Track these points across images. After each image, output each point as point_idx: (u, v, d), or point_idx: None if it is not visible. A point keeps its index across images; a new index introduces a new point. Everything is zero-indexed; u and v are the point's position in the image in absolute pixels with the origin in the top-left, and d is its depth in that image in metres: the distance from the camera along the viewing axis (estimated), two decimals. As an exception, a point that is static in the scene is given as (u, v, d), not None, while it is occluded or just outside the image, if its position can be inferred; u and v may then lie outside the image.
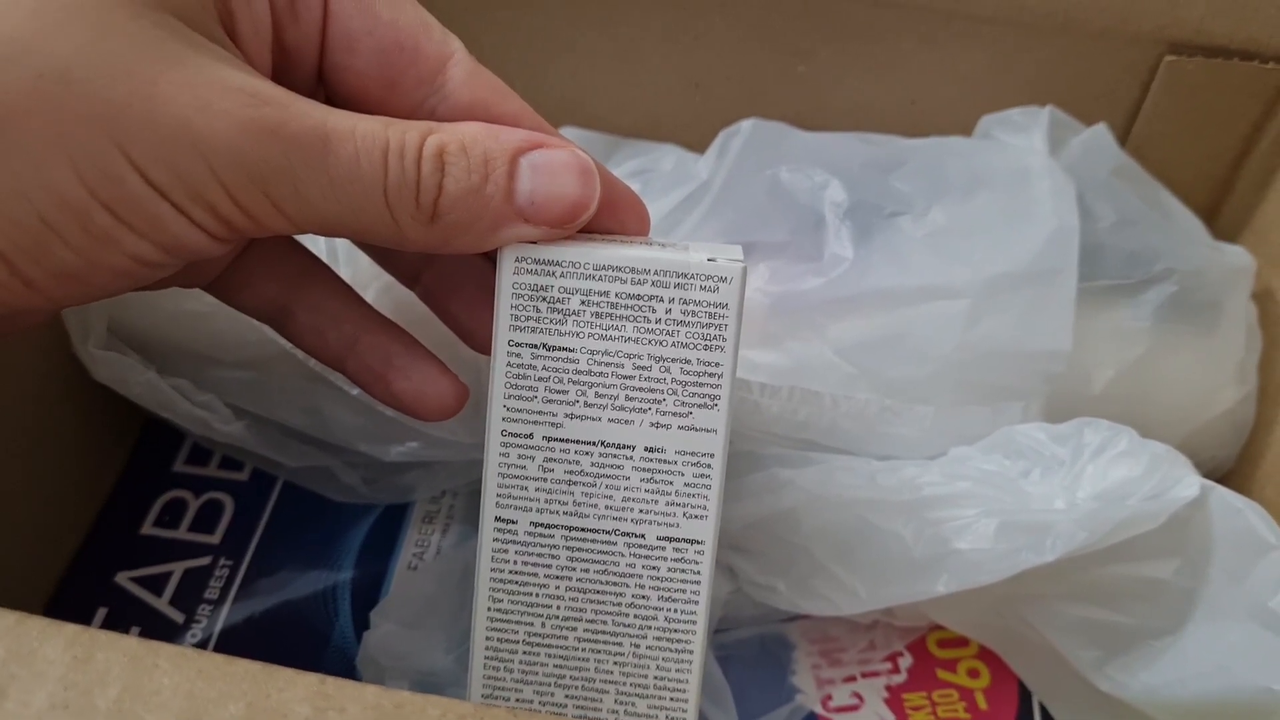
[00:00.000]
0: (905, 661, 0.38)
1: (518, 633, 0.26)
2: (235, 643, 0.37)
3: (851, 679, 0.37)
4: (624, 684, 0.27)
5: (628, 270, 0.23)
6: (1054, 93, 0.41)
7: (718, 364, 0.24)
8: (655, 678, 0.26)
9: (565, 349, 0.24)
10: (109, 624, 0.37)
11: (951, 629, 0.38)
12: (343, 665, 0.36)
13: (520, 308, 0.24)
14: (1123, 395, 0.38)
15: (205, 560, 0.39)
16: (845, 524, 0.34)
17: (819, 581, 0.35)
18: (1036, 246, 0.36)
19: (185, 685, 0.22)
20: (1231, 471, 0.40)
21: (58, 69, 0.18)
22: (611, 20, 0.43)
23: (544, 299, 0.24)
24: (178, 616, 0.37)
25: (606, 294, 0.24)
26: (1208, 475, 0.35)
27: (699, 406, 0.24)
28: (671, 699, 0.27)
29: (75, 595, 0.38)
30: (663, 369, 0.24)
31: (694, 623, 0.26)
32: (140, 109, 0.19)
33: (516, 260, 0.24)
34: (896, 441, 0.36)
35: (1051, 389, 0.37)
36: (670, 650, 0.26)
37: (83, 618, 0.37)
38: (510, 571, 0.26)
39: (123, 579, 0.38)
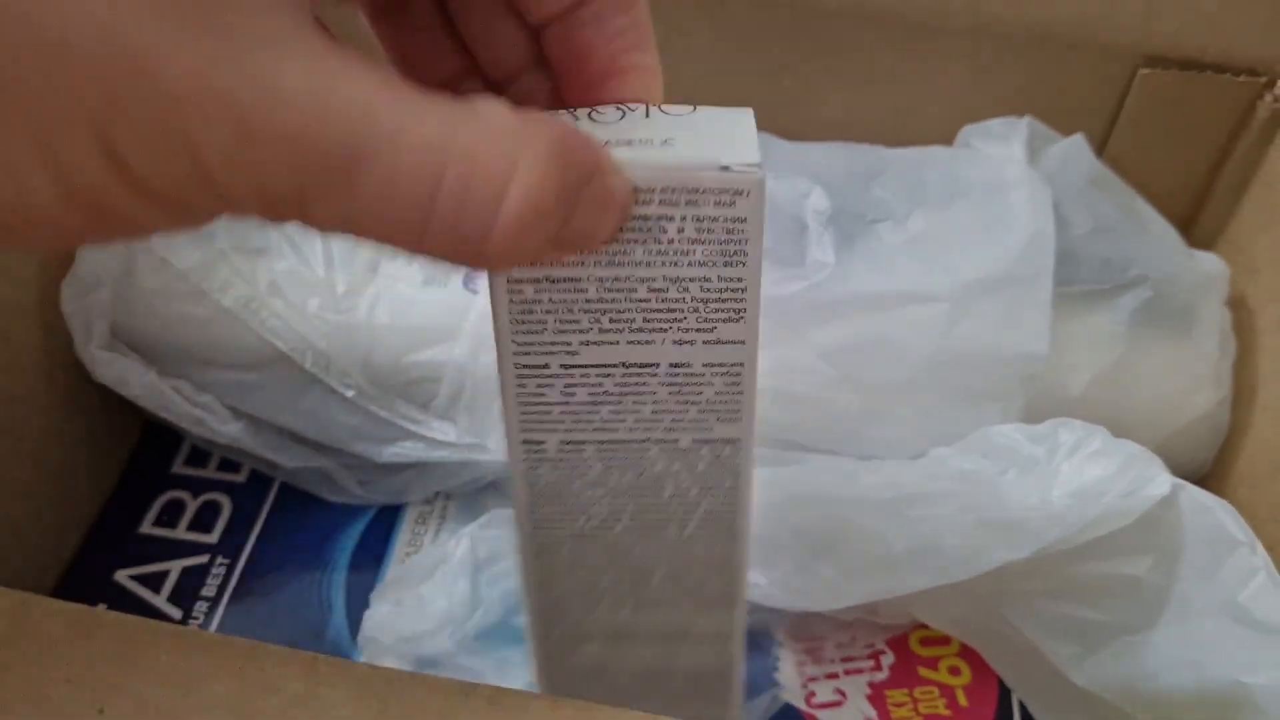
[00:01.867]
0: (888, 659, 0.39)
1: (562, 531, 0.26)
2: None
3: (834, 676, 0.38)
4: (672, 561, 0.27)
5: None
6: (1033, 104, 0.42)
7: (739, 279, 0.21)
8: (702, 554, 0.26)
9: (570, 279, 0.21)
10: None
11: (933, 627, 0.38)
12: (336, 661, 0.37)
13: None
14: (1100, 398, 0.38)
15: (203, 559, 0.40)
16: (827, 521, 0.35)
17: (801, 578, 0.36)
18: (1014, 252, 0.37)
19: (182, 662, 0.23)
20: (1207, 475, 0.41)
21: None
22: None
23: None
24: (175, 613, 0.38)
25: None
26: (1184, 478, 0.36)
27: (723, 321, 0.22)
28: (719, 572, 0.27)
29: (76, 591, 0.39)
30: (680, 289, 0.22)
31: (735, 505, 0.25)
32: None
33: None
34: (878, 443, 0.37)
35: (1029, 392, 0.37)
36: (715, 531, 0.26)
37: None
38: (545, 484, 0.25)
39: (122, 576, 0.39)
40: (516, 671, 0.36)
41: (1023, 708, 0.37)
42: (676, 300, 0.22)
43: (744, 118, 0.21)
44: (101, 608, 0.38)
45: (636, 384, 0.23)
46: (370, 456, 0.39)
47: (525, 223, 0.17)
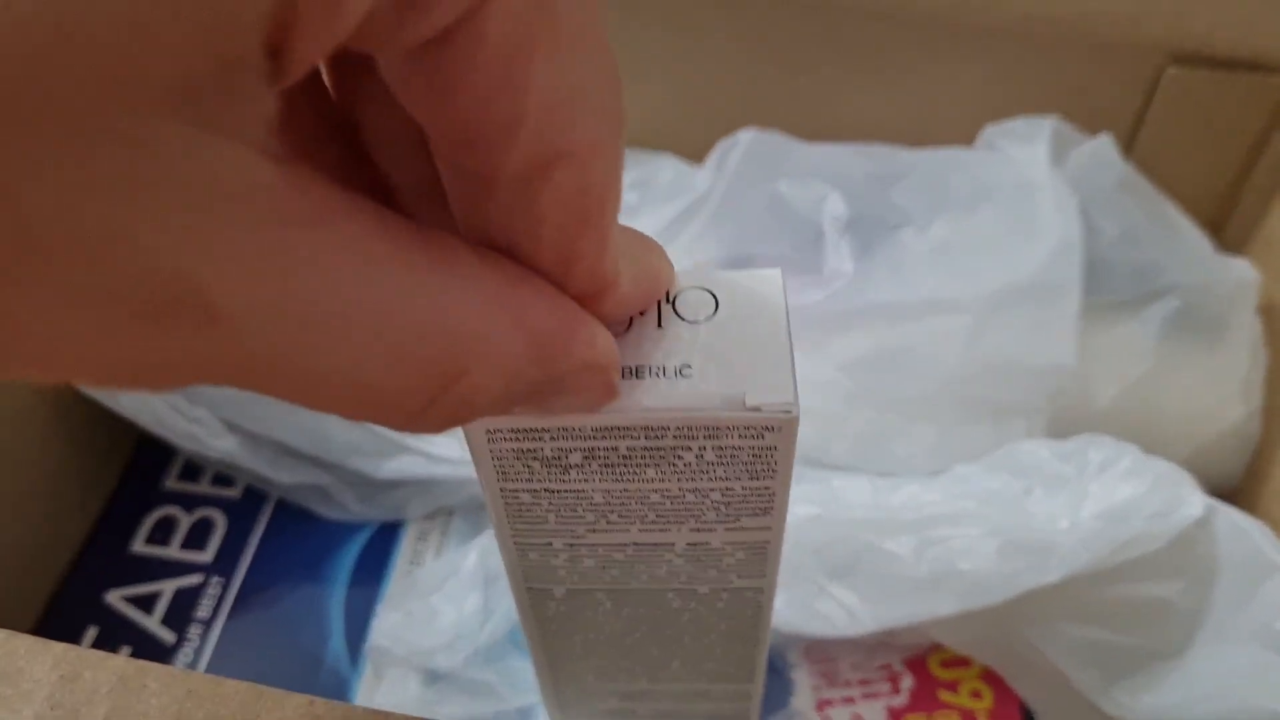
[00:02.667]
0: (906, 682, 0.37)
1: (574, 640, 0.25)
2: (227, 662, 0.36)
3: (851, 700, 0.37)
4: (687, 658, 0.26)
5: (639, 429, 0.18)
6: (1057, 104, 0.41)
7: (766, 488, 0.19)
8: (720, 653, 0.26)
9: (574, 490, 0.19)
10: (99, 644, 0.36)
11: (953, 649, 0.37)
12: (336, 684, 0.36)
13: (508, 466, 0.19)
14: (1127, 412, 0.37)
15: (197, 579, 0.38)
16: (846, 543, 0.34)
17: (819, 601, 0.34)
18: (1040, 261, 0.36)
19: (174, 706, 0.21)
20: (1238, 488, 0.40)
21: None
22: (612, 31, 0.43)
23: (536, 458, 0.19)
24: (169, 636, 0.37)
25: (615, 449, 0.18)
26: (1213, 492, 0.35)
27: (747, 515, 0.20)
28: (737, 663, 0.26)
29: (65, 614, 0.38)
30: (699, 496, 0.19)
31: (757, 623, 0.24)
32: None
33: (489, 432, 0.18)
34: (898, 459, 0.36)
35: (1055, 405, 0.36)
36: (734, 640, 0.25)
37: (72, 637, 0.36)
38: (554, 614, 0.24)
39: (113, 598, 0.38)
40: (526, 684, 0.35)
41: (1047, 733, 0.36)
42: (695, 503, 0.19)
43: (774, 306, 0.18)
44: (92, 633, 0.37)
45: (650, 555, 0.21)
46: (368, 472, 0.38)
47: (462, 403, 0.14)
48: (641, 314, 0.18)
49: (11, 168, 0.10)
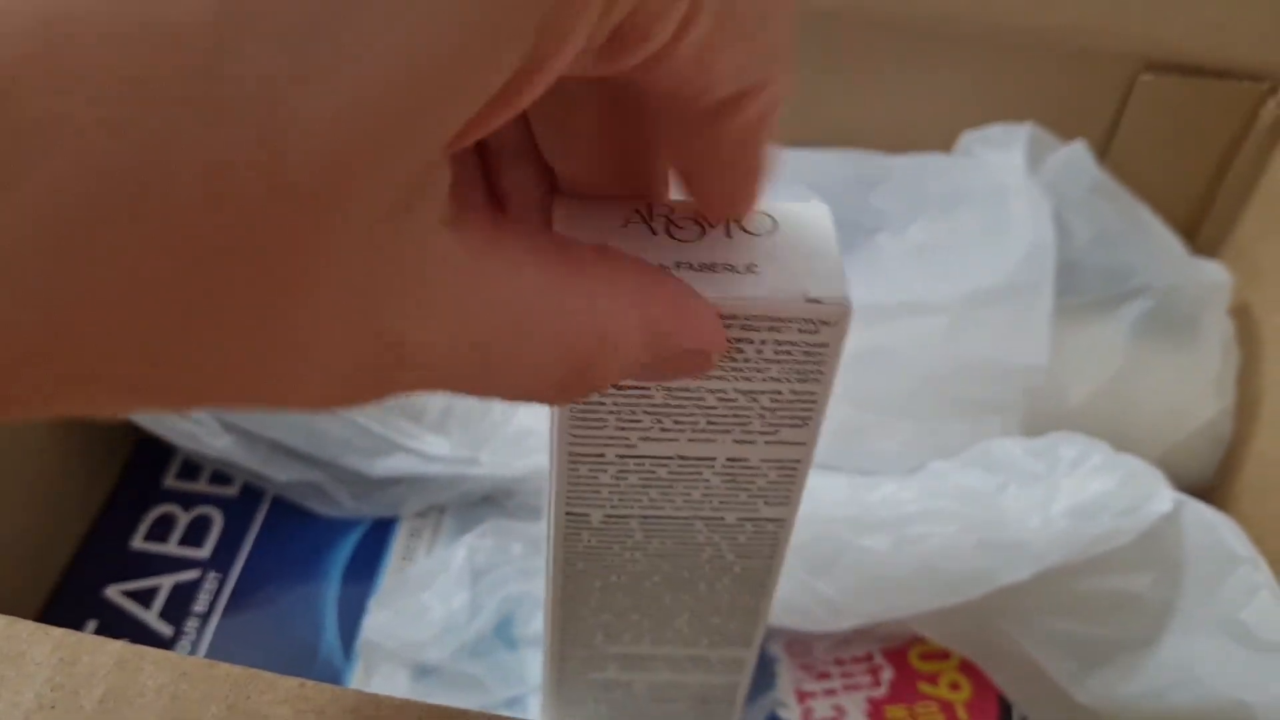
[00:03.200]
0: (886, 674, 0.38)
1: (595, 582, 0.26)
2: (223, 655, 0.37)
3: (832, 692, 0.38)
4: (697, 609, 0.27)
5: None
6: (1034, 110, 0.42)
7: (811, 393, 0.21)
8: (728, 604, 0.27)
9: (639, 387, 0.21)
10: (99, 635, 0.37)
11: (932, 640, 0.38)
12: (329, 676, 0.37)
13: None
14: (1101, 410, 0.38)
15: (194, 574, 0.39)
16: (826, 540, 0.35)
17: (800, 597, 0.35)
18: (1014, 263, 0.37)
19: (169, 687, 0.22)
20: (1211, 485, 0.41)
21: None
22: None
23: None
24: (166, 629, 0.38)
25: None
26: (1186, 489, 0.35)
27: (787, 425, 0.21)
28: (741, 618, 0.27)
29: (66, 607, 0.39)
30: (750, 399, 0.21)
31: (769, 569, 0.25)
32: None
33: None
34: (876, 456, 0.37)
35: (1029, 403, 0.37)
36: (744, 587, 0.26)
37: (73, 629, 0.37)
38: (584, 547, 0.25)
39: (113, 592, 0.39)
40: (514, 678, 0.36)
41: (1023, 723, 0.37)
42: (744, 408, 0.21)
43: (824, 228, 0.20)
44: (91, 626, 0.38)
45: (690, 473, 0.22)
46: (362, 470, 0.39)
47: (594, 390, 0.17)
48: (713, 225, 0.20)
49: (294, 277, 0.12)
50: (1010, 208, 0.38)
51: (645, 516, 0.24)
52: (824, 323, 0.19)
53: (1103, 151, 0.43)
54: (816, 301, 0.19)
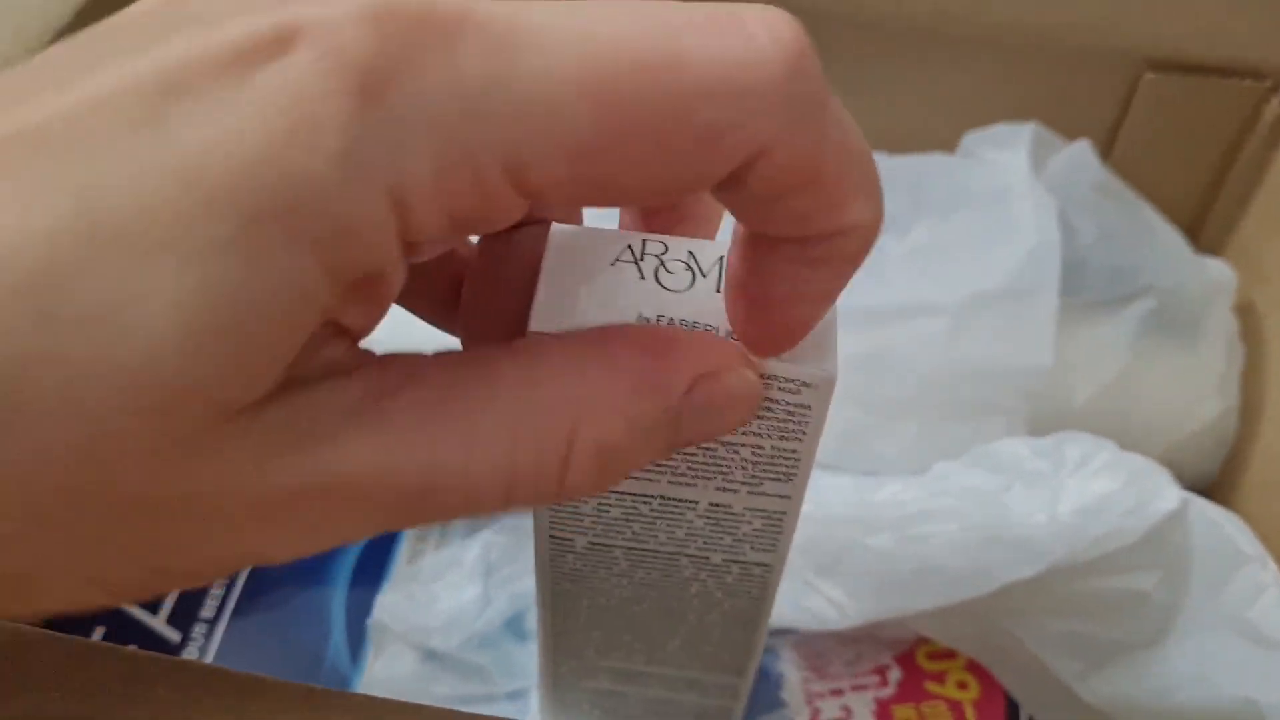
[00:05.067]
0: (894, 675, 0.38)
1: (583, 602, 0.26)
2: (230, 660, 0.37)
3: (839, 693, 0.38)
4: (688, 637, 0.27)
5: None
6: (1037, 110, 0.42)
7: (794, 451, 0.20)
8: (719, 637, 0.27)
9: None
10: (107, 641, 0.37)
11: (938, 641, 0.38)
12: (337, 682, 0.37)
13: None
14: (1105, 410, 0.38)
15: (201, 579, 0.39)
16: (831, 540, 0.35)
17: (807, 597, 0.35)
18: (1017, 263, 0.37)
19: (179, 695, 0.22)
20: (1215, 484, 0.41)
21: None
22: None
23: None
24: (174, 635, 0.38)
25: None
26: (1191, 488, 0.35)
27: (770, 479, 0.21)
28: (733, 650, 0.27)
29: (72, 615, 0.39)
30: (730, 450, 0.20)
31: (759, 607, 0.25)
32: None
33: None
34: (880, 457, 0.37)
35: (1033, 404, 0.37)
36: (734, 623, 0.26)
37: (80, 636, 0.37)
38: (569, 570, 0.25)
39: (120, 598, 0.39)
40: (519, 671, 0.36)
41: (1030, 722, 0.37)
42: (725, 458, 0.21)
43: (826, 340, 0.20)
44: (99, 633, 0.38)
45: (673, 513, 0.22)
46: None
47: (601, 463, 0.17)
48: (704, 275, 0.20)
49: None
50: (1014, 208, 0.38)
51: (630, 548, 0.23)
52: (806, 385, 0.19)
53: (1106, 151, 0.43)
54: (797, 365, 0.19)
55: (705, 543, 0.23)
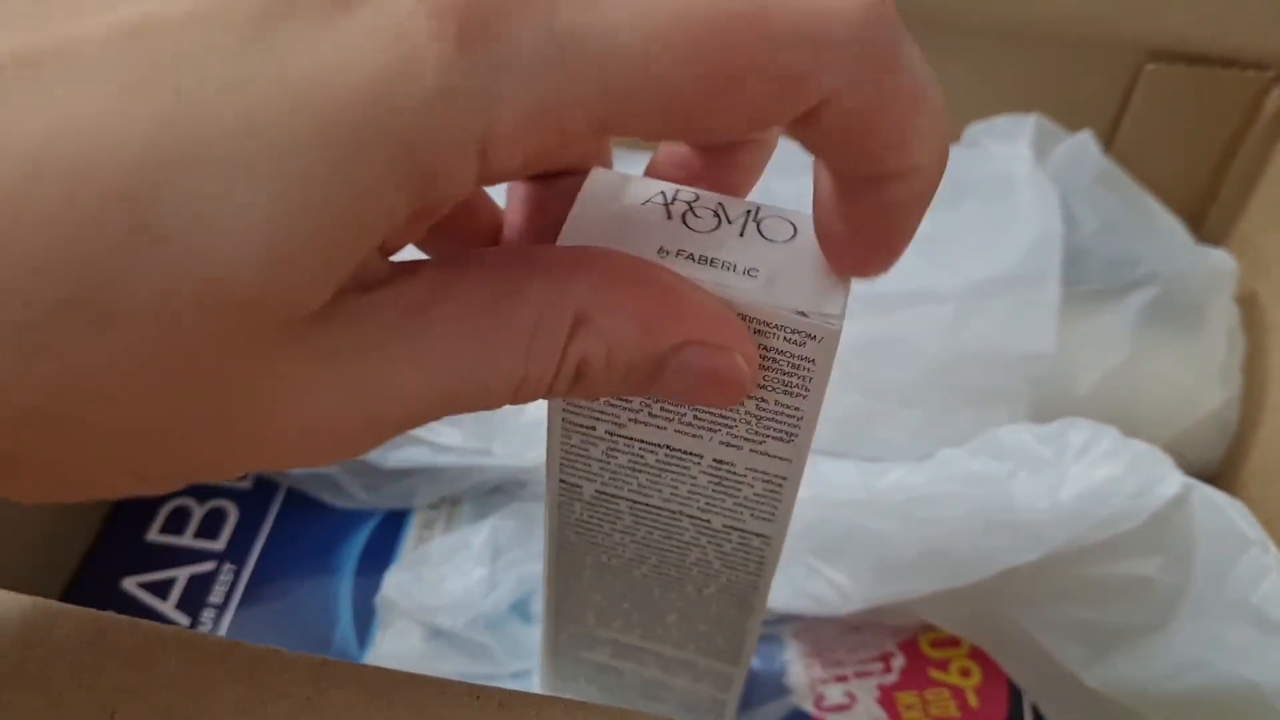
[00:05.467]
0: (897, 661, 0.38)
1: (587, 557, 0.26)
2: (239, 645, 0.37)
3: (843, 679, 0.38)
4: (686, 611, 0.27)
5: None
6: (1039, 101, 0.42)
7: (798, 408, 0.20)
8: (715, 614, 0.27)
9: None
10: (115, 628, 0.38)
11: (941, 628, 0.38)
12: (344, 667, 0.37)
13: None
14: (1107, 398, 0.38)
15: (209, 566, 0.40)
16: (835, 524, 0.35)
17: (810, 582, 0.36)
18: (1020, 252, 0.37)
19: (192, 666, 0.23)
20: (1217, 473, 0.41)
21: None
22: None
23: None
24: (183, 620, 0.38)
25: None
26: (1193, 477, 0.35)
27: (773, 438, 0.21)
28: (729, 633, 0.27)
29: (83, 599, 0.39)
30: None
31: (755, 586, 0.25)
32: None
33: None
34: (884, 444, 0.37)
35: (1037, 392, 0.37)
36: (731, 600, 0.26)
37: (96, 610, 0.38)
38: (576, 519, 0.25)
39: (129, 584, 0.39)
40: (524, 651, 0.37)
41: (1034, 709, 0.37)
42: (729, 409, 0.21)
43: (831, 284, 0.20)
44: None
45: (678, 466, 0.23)
46: (375, 462, 0.39)
47: (579, 378, 0.18)
48: (730, 222, 0.20)
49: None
50: (1017, 198, 0.38)
51: (634, 501, 0.24)
52: (810, 336, 0.19)
53: (1108, 141, 0.44)
54: (803, 315, 0.19)
55: (707, 503, 0.23)
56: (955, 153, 0.41)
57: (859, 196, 0.17)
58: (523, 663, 0.36)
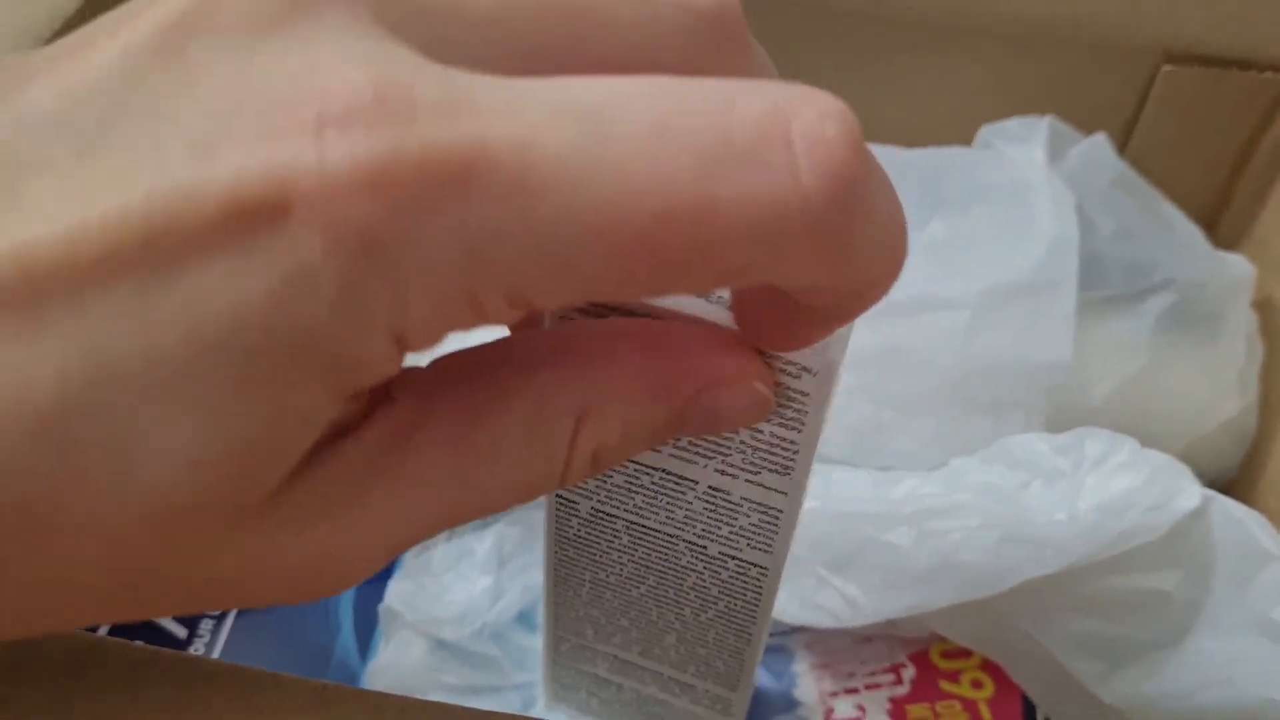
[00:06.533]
0: (908, 673, 0.38)
1: (585, 574, 0.26)
2: (238, 656, 0.37)
3: (854, 691, 0.37)
4: (684, 634, 0.26)
5: None
6: (1053, 103, 0.42)
7: (793, 441, 0.20)
8: (714, 639, 0.26)
9: None
10: (113, 636, 0.37)
11: (953, 641, 0.38)
12: (345, 678, 0.37)
13: None
14: (1123, 406, 0.38)
15: (208, 575, 0.39)
16: (846, 535, 0.34)
17: (821, 594, 0.35)
18: (1036, 258, 0.36)
19: (187, 693, 0.22)
20: (1234, 481, 0.40)
21: None
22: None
23: None
24: (180, 631, 0.38)
25: None
26: (1210, 485, 0.35)
27: (768, 470, 0.21)
28: (727, 658, 0.27)
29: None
30: (729, 431, 0.20)
31: (754, 615, 0.25)
32: None
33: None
34: (897, 454, 0.37)
35: (1052, 400, 0.37)
36: (728, 626, 0.26)
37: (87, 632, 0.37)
38: (573, 535, 0.25)
39: (125, 594, 0.39)
40: (530, 663, 0.36)
41: (1048, 722, 0.37)
42: (724, 438, 0.21)
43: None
44: (104, 629, 0.38)
45: (674, 490, 0.22)
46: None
47: (596, 461, 0.17)
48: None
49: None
50: (1031, 201, 0.38)
51: (631, 522, 0.24)
52: (805, 369, 0.18)
53: (1123, 144, 0.43)
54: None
55: (704, 529, 0.23)
56: (968, 155, 0.41)
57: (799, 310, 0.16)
58: (528, 674, 0.36)
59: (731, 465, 0.21)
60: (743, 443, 0.20)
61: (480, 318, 0.13)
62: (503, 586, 0.37)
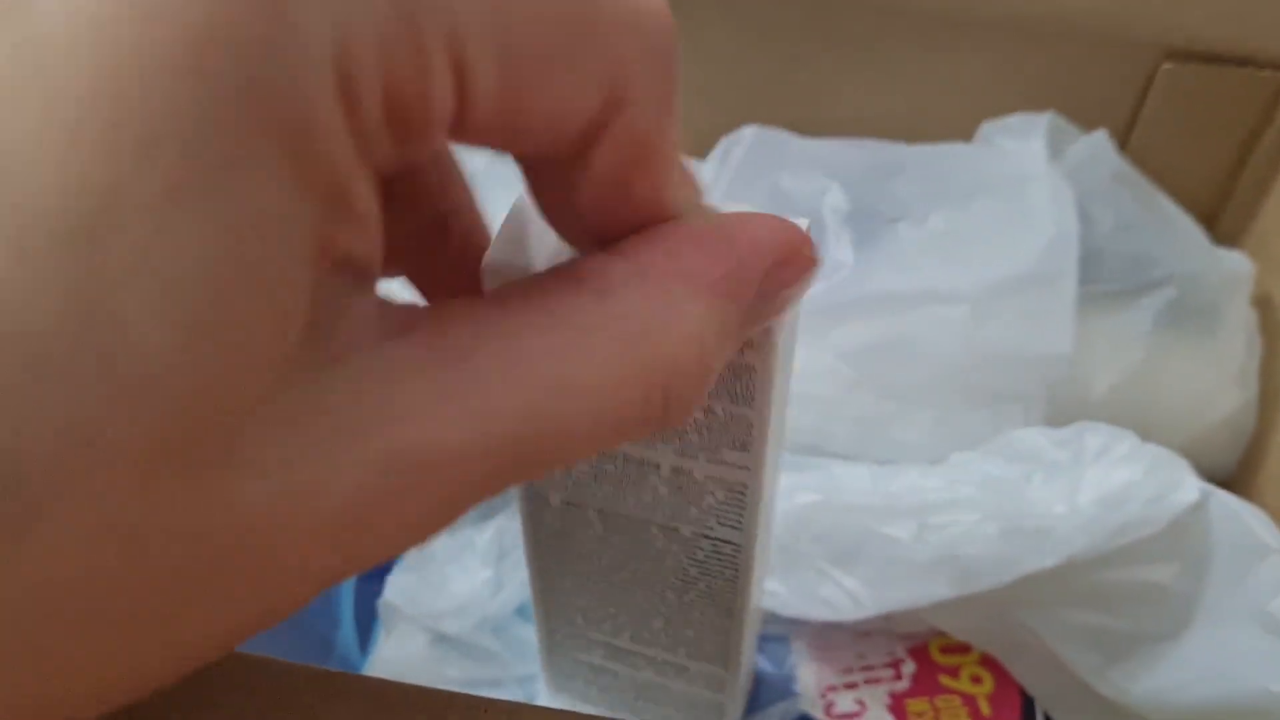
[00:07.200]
0: (908, 668, 0.38)
1: (567, 567, 0.26)
2: (239, 647, 0.37)
3: (854, 685, 0.37)
4: (670, 616, 0.26)
5: None
6: (1053, 99, 0.42)
7: (744, 415, 0.20)
8: (698, 619, 0.26)
9: None
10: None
11: (952, 635, 0.38)
12: (346, 669, 0.36)
13: None
14: (1123, 400, 0.38)
15: (208, 566, 0.39)
16: (847, 529, 0.34)
17: (821, 587, 0.35)
18: (1036, 251, 0.36)
19: (191, 676, 0.22)
20: (1232, 477, 0.41)
21: None
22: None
23: None
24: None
25: None
26: (1209, 480, 0.35)
27: (727, 447, 0.21)
28: (715, 638, 0.27)
29: None
30: None
31: (735, 592, 0.25)
32: None
33: None
34: (898, 446, 0.37)
35: (1052, 394, 0.37)
36: (712, 606, 0.26)
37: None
38: (549, 530, 0.25)
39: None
40: (530, 655, 0.36)
41: (1047, 717, 0.37)
42: None
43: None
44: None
45: (638, 474, 0.22)
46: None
47: (675, 394, 0.15)
48: None
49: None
50: (1032, 196, 0.38)
51: (602, 510, 0.24)
52: (747, 344, 0.18)
53: (1123, 140, 0.43)
54: None
55: (673, 511, 0.23)
56: (969, 150, 0.41)
57: (572, 180, 0.15)
58: (530, 666, 0.36)
59: (690, 446, 0.21)
60: (698, 423, 0.20)
61: (424, 77, 0.12)
62: (503, 579, 0.37)
